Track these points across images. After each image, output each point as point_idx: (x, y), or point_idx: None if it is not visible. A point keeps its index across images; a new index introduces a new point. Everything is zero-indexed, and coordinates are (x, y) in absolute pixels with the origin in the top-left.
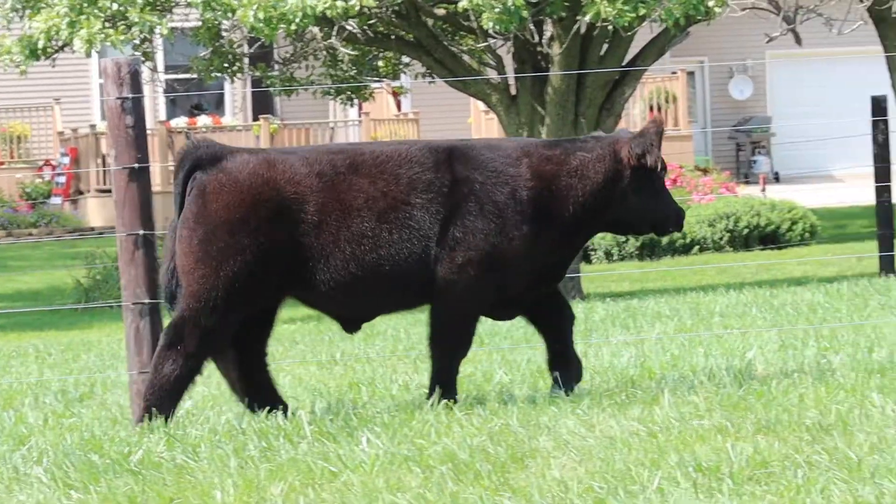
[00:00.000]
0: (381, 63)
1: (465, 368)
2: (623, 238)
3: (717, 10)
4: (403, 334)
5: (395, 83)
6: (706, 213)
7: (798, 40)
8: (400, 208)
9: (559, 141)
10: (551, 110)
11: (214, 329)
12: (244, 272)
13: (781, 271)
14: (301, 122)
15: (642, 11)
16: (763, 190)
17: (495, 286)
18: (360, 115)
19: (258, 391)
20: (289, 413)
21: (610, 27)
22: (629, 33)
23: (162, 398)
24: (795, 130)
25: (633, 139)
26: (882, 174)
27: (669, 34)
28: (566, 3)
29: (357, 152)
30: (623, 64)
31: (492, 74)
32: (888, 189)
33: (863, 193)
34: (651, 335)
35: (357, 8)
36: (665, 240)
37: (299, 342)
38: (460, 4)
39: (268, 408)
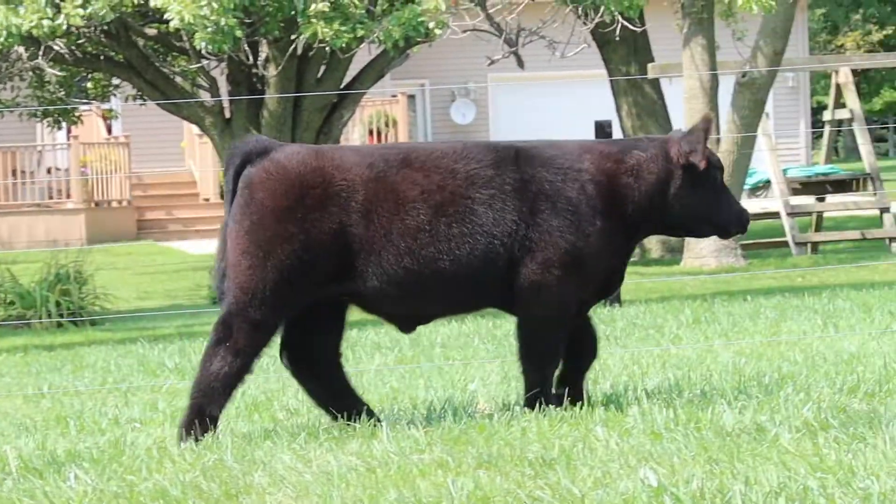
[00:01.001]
0: (90, 85)
1: (178, 402)
2: None
3: (437, 31)
4: (114, 366)
5: (105, 106)
6: None
7: (520, 63)
8: (459, 203)
9: (616, 140)
10: (267, 134)
11: (264, 323)
12: (292, 262)
13: None
14: (7, 145)
15: (360, 33)
16: None
17: (578, 288)
18: (68, 138)
19: (337, 398)
20: (371, 415)
21: (327, 48)
22: (347, 55)
23: (210, 396)
24: None
25: (683, 138)
26: None
27: (389, 56)
28: (282, 23)
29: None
30: (341, 87)
31: (205, 97)
32: None
33: None
34: (370, 367)
35: (64, 27)
36: None
37: (5, 374)
38: (172, 24)
39: (349, 412)
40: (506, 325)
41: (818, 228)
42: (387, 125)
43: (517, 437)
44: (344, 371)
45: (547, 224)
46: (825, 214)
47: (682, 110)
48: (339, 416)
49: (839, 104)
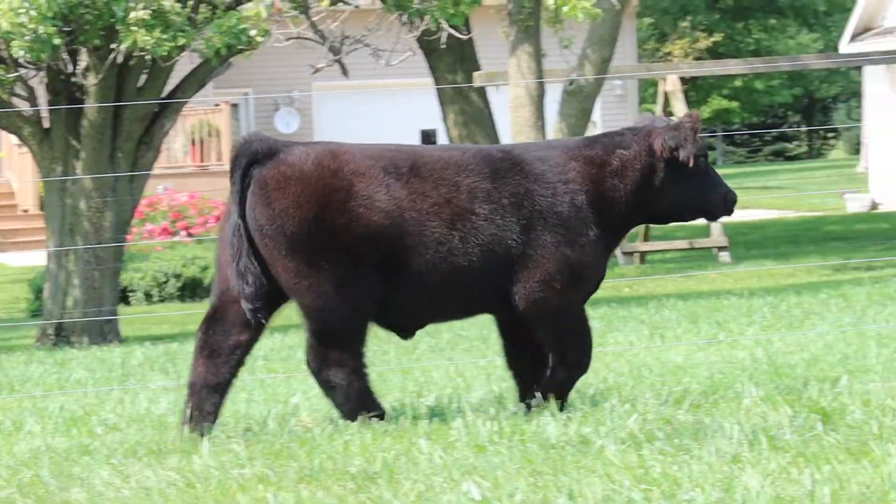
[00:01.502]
0: None
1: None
2: (164, 279)
3: (259, 39)
4: None
5: None
6: None
7: (345, 72)
8: (466, 216)
9: (596, 139)
10: (87, 144)
11: (351, 332)
12: (348, 265)
13: None
14: None
15: (181, 41)
16: None
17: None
18: None
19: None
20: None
21: (148, 57)
22: (168, 64)
23: (359, 406)
24: None
25: (667, 132)
26: None
27: (211, 65)
28: (101, 32)
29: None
30: (163, 96)
31: (23, 106)
32: None
33: None
34: None
35: None
36: (208, 280)
37: None
38: None
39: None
40: None
41: (646, 238)
42: (210, 135)
43: (339, 451)
44: (235, 373)
45: (541, 240)
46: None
47: (509, 119)
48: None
49: (667, 112)
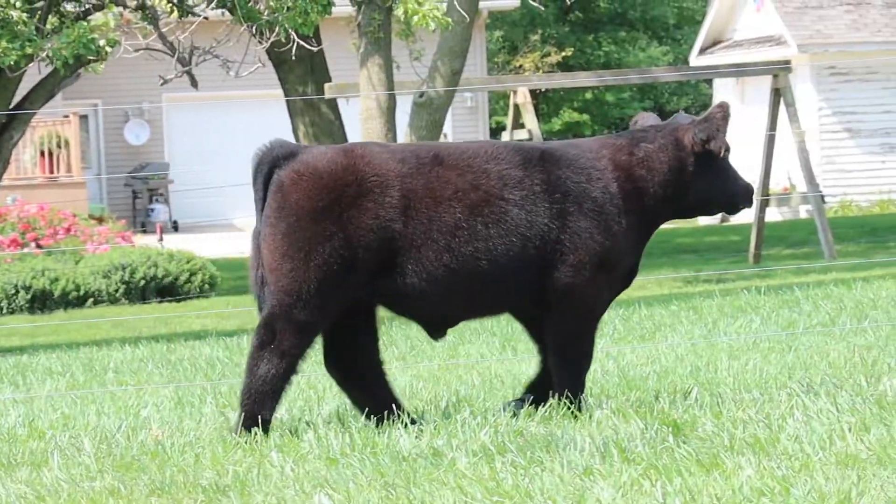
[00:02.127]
0: None
1: None
2: (13, 291)
3: (108, 49)
4: None
5: None
6: (101, 265)
7: (194, 83)
8: (494, 203)
9: (622, 133)
10: None
11: (309, 324)
12: (334, 261)
13: (181, 325)
14: None
15: (29, 50)
16: (161, 239)
17: (608, 286)
18: None
19: (378, 404)
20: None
21: None
22: (16, 74)
23: (259, 401)
24: (195, 177)
25: (697, 125)
26: None
27: (59, 75)
28: None
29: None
30: (11, 107)
31: None
32: None
33: None
34: (41, 393)
35: None
36: (58, 292)
37: None
38: None
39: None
40: (181, 350)
41: None
42: (59, 146)
43: (191, 464)
44: (386, 376)
45: (576, 226)
46: None
47: (360, 131)
48: (378, 420)
49: (518, 124)
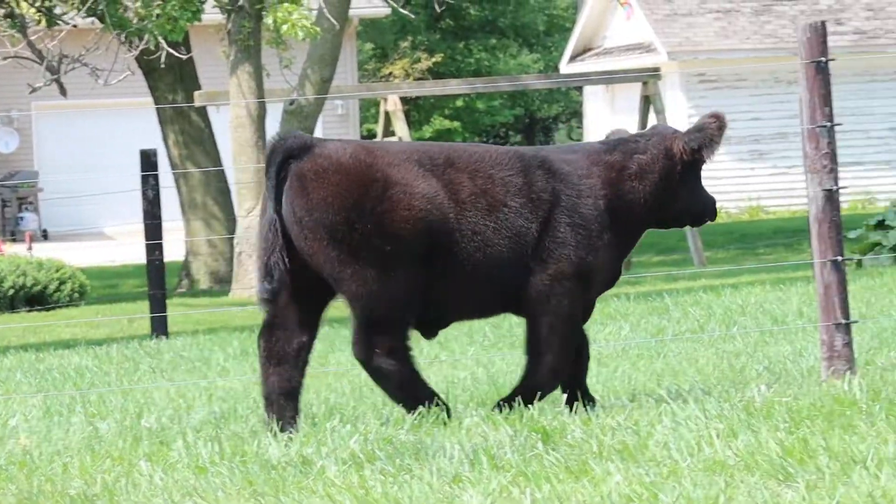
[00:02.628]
0: None
1: None
2: None
3: None
4: None
5: None
6: None
7: (63, 91)
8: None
9: (614, 144)
10: None
11: (397, 320)
12: (391, 252)
13: (50, 334)
14: None
15: None
16: (30, 248)
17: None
18: None
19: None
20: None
21: None
22: None
23: (414, 394)
24: (64, 186)
25: (689, 134)
26: (153, 231)
27: None
28: None
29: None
30: None
31: None
32: (160, 247)
33: (135, 251)
34: None
35: None
36: None
37: None
38: None
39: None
40: (49, 359)
41: None
42: None
43: (59, 473)
44: (303, 375)
45: (563, 237)
46: None
47: (230, 139)
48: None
49: (388, 132)
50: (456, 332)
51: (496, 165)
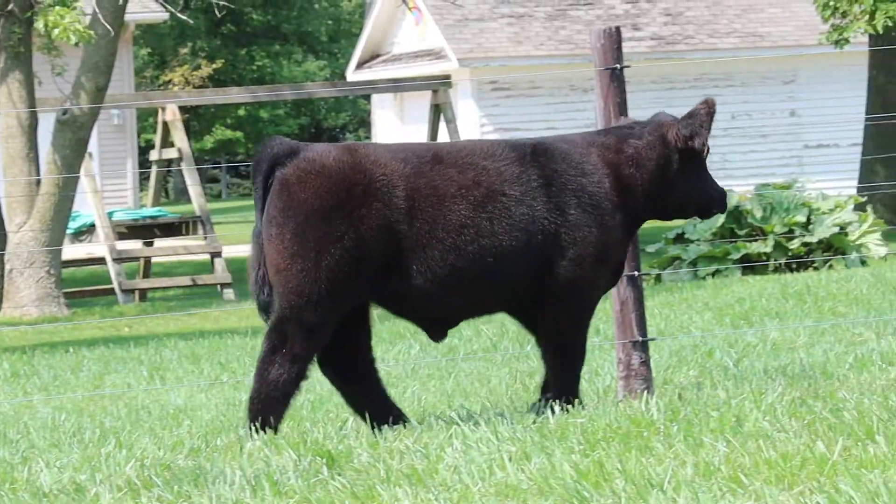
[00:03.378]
0: None
1: None
2: None
3: None
4: None
5: None
6: None
7: None
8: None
9: (609, 130)
10: None
11: (319, 326)
12: (345, 261)
13: None
14: None
15: None
16: None
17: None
18: None
19: (373, 404)
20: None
21: None
22: None
23: (269, 405)
24: None
25: (681, 121)
26: None
27: None
28: None
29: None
30: None
31: None
32: None
33: None
34: None
35: None
36: None
37: None
38: None
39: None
40: None
41: (146, 275)
42: None
43: None
44: (379, 375)
45: (575, 220)
46: (154, 260)
47: (0, 149)
48: (375, 422)
49: (167, 143)
50: (238, 353)
51: (489, 157)
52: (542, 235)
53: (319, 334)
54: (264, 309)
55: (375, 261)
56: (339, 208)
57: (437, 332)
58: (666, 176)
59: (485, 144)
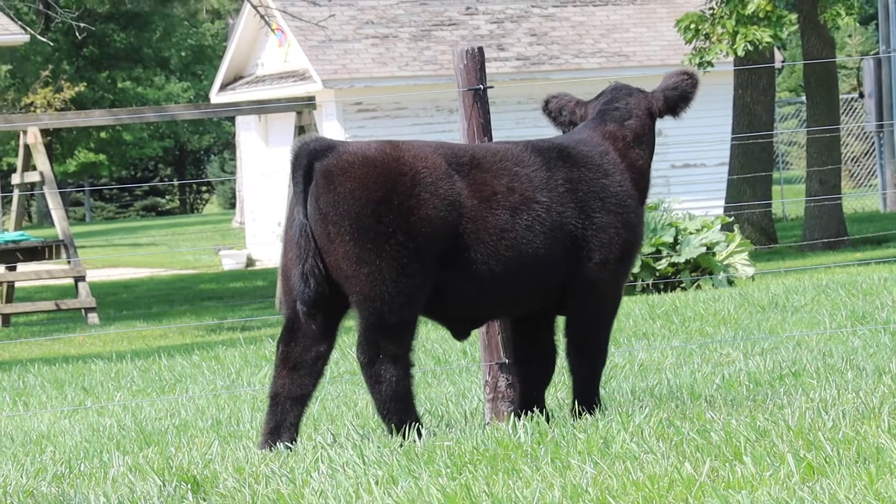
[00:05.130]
0: None
1: None
2: None
3: None
4: None
5: None
6: None
7: None
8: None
9: (604, 115)
10: None
11: (404, 323)
12: (403, 256)
13: None
14: None
15: None
16: None
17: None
18: None
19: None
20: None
21: None
22: None
23: (400, 410)
24: None
25: (665, 92)
26: None
27: None
28: None
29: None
30: None
31: None
32: None
33: None
34: None
35: None
36: None
37: None
38: None
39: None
40: None
41: (9, 300)
42: None
43: None
44: (316, 385)
45: (601, 221)
46: (17, 284)
47: None
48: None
49: (30, 166)
50: (103, 378)
51: (520, 163)
52: (570, 239)
53: (407, 330)
54: (309, 303)
55: (434, 251)
56: (386, 201)
57: (463, 331)
58: (651, 148)
59: (514, 149)
